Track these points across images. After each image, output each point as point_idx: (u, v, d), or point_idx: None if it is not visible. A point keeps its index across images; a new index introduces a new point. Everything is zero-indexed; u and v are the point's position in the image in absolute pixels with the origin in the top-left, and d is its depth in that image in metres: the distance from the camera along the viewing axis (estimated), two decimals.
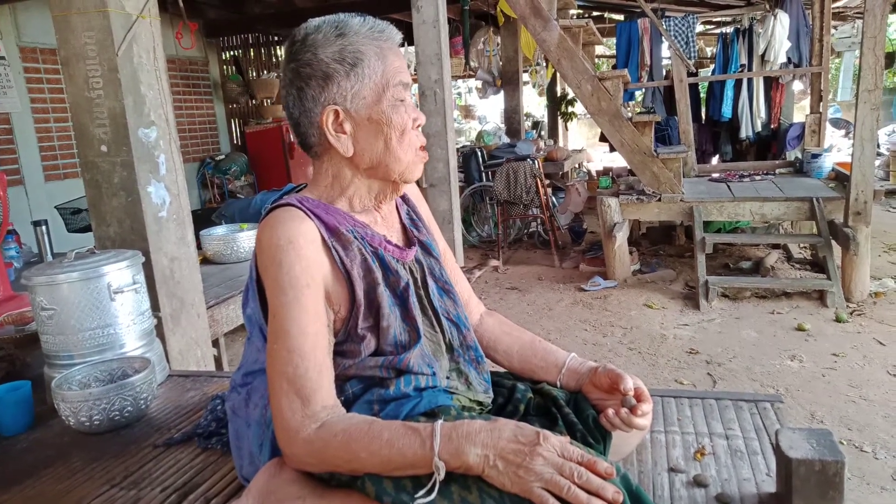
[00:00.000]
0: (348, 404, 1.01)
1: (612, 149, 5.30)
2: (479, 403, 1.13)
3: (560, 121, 9.93)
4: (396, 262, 1.07)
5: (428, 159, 1.12)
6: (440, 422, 0.89)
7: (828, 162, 5.07)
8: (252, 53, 7.73)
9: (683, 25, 6.43)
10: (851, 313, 3.82)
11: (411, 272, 1.10)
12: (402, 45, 1.08)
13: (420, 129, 1.08)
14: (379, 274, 1.04)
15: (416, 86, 5.60)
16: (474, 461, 0.84)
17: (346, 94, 1.00)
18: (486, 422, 0.88)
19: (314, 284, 0.97)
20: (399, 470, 0.88)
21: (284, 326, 0.94)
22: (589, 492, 0.81)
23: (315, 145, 1.05)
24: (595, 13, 8.50)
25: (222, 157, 6.95)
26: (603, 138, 6.90)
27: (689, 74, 5.67)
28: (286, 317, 0.94)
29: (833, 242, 4.12)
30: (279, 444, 0.95)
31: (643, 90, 7.23)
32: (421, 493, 0.85)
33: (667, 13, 7.19)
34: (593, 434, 1.08)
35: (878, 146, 7.20)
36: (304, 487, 0.95)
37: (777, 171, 5.52)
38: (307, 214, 1.00)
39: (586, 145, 12.28)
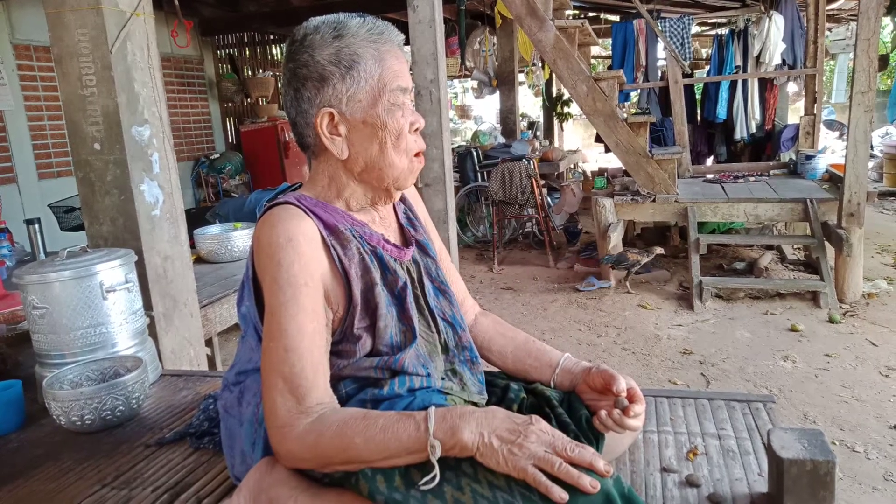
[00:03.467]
0: (342, 403, 1.01)
1: (608, 149, 5.31)
2: (475, 404, 1.13)
3: (556, 121, 9.94)
4: (394, 261, 1.07)
5: (423, 165, 1.11)
6: (433, 407, 0.90)
7: (822, 163, 5.10)
8: (247, 52, 7.71)
9: (679, 27, 6.44)
10: (844, 314, 3.84)
11: (408, 272, 1.10)
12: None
13: (419, 132, 1.07)
14: (377, 273, 1.04)
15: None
16: (469, 438, 0.85)
17: (341, 97, 1.00)
18: (479, 407, 0.90)
19: (312, 283, 0.96)
20: (394, 457, 0.88)
21: (282, 325, 0.94)
22: (580, 468, 0.82)
23: (312, 146, 1.05)
24: (591, 14, 8.51)
25: (217, 155, 6.93)
26: (598, 139, 6.91)
27: (685, 75, 5.68)
28: (283, 315, 0.94)
29: (826, 244, 4.14)
30: (272, 442, 0.94)
31: (638, 91, 7.26)
32: (426, 479, 0.86)
33: (662, 14, 7.20)
34: (586, 434, 1.08)
35: (872, 148, 7.24)
36: (296, 486, 0.95)
37: (771, 172, 5.54)
38: (306, 213, 0.99)
39: (582, 146, 12.30)
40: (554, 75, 7.62)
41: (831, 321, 3.73)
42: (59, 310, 1.58)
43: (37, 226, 3.11)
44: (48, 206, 4.18)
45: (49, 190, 4.93)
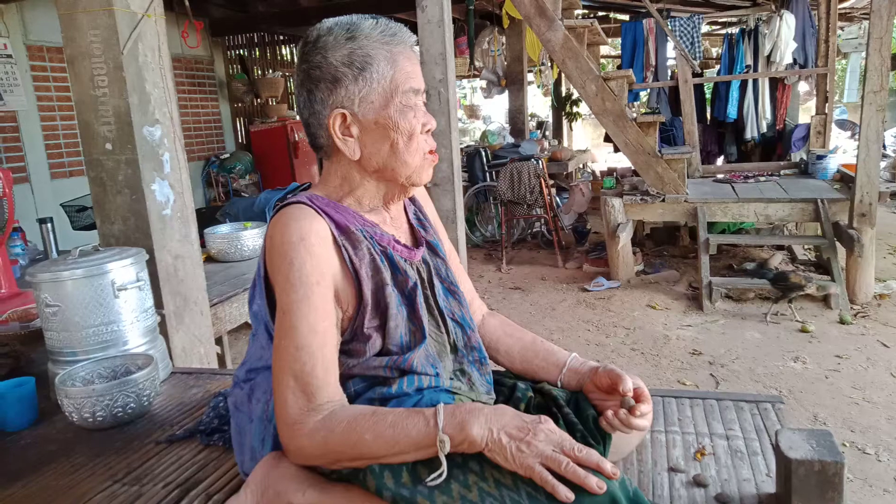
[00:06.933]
0: (350, 401, 1.01)
1: (617, 149, 5.30)
2: (483, 404, 1.13)
3: (564, 121, 9.92)
4: (405, 262, 1.08)
5: (437, 162, 1.12)
6: (442, 403, 0.92)
7: (833, 163, 5.05)
8: (257, 52, 7.74)
9: (689, 26, 6.41)
10: (855, 315, 3.81)
11: (418, 272, 1.10)
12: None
13: (430, 133, 1.07)
14: (387, 274, 1.04)
15: None
16: (478, 434, 0.86)
17: (353, 98, 1.00)
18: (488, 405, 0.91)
19: (324, 282, 0.97)
20: (404, 453, 0.89)
21: (293, 323, 0.95)
22: (587, 469, 0.83)
23: (324, 146, 1.05)
24: (600, 13, 8.48)
25: (227, 155, 6.97)
26: (607, 138, 6.88)
27: (695, 75, 5.66)
28: (295, 314, 0.95)
29: (837, 244, 4.11)
30: (282, 439, 0.95)
31: (648, 90, 7.22)
32: (433, 475, 0.87)
33: (672, 13, 7.17)
34: (593, 434, 1.08)
35: (884, 147, 7.18)
36: (304, 481, 0.95)
37: (782, 172, 5.50)
38: (318, 213, 1.00)
39: (591, 145, 12.26)
40: (563, 75, 7.60)
41: (842, 322, 3.71)
42: (72, 308, 1.60)
43: (49, 225, 3.14)
44: (60, 205, 4.22)
45: (61, 189, 4.98)
